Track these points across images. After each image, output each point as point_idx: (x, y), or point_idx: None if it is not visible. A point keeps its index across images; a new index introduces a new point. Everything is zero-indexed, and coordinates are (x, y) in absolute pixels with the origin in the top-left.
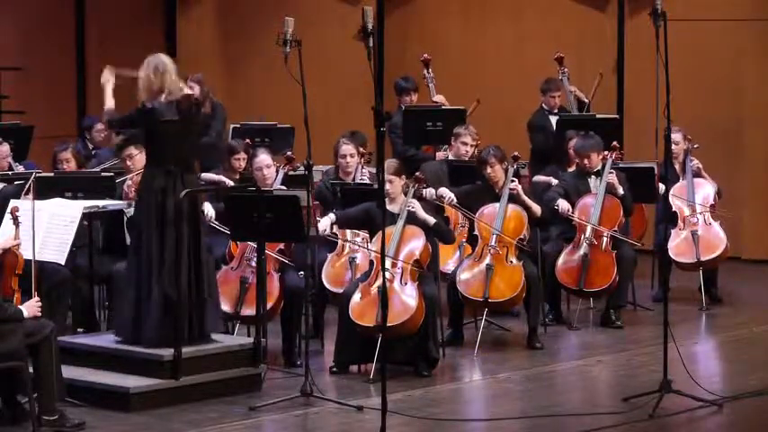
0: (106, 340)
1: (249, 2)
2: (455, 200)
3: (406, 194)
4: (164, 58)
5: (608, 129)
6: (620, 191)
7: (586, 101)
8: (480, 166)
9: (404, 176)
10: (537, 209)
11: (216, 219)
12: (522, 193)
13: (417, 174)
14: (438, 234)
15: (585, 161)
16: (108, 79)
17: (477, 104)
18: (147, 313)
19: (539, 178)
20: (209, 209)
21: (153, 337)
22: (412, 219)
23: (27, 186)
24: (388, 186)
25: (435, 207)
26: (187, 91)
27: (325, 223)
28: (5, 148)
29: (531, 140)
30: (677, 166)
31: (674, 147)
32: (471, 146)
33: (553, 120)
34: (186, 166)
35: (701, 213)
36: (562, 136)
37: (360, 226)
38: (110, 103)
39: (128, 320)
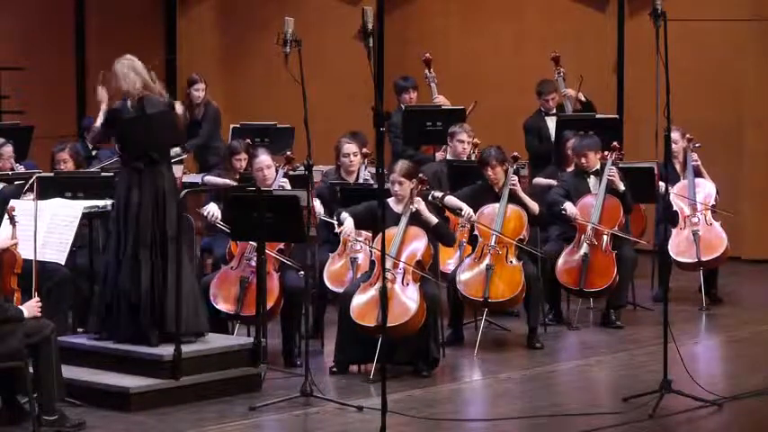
0: (106, 340)
1: (249, 2)
2: (473, 215)
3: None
4: (119, 63)
5: (608, 129)
6: (621, 186)
7: (584, 99)
8: (481, 168)
9: (414, 180)
10: (535, 206)
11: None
12: (520, 190)
13: (420, 175)
14: (439, 235)
15: (583, 160)
16: (102, 98)
17: (475, 105)
18: (118, 311)
19: (539, 180)
20: (214, 209)
21: (123, 335)
22: (415, 218)
23: (28, 186)
24: (397, 188)
25: (436, 208)
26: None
27: (349, 225)
28: (9, 148)
29: (525, 143)
30: (677, 166)
31: (673, 146)
32: (468, 143)
33: (550, 121)
34: (149, 161)
35: (701, 213)
36: (561, 137)
37: (364, 225)
38: (100, 121)
39: (101, 317)
